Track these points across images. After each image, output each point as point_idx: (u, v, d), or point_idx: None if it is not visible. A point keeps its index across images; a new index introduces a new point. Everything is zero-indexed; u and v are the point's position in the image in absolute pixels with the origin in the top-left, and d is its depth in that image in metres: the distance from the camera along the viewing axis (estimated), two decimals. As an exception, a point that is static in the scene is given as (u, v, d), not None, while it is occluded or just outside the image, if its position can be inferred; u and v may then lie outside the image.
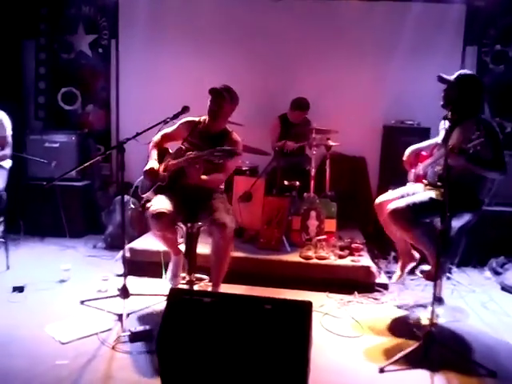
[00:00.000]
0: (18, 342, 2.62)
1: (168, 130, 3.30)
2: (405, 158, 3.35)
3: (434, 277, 2.76)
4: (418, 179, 3.25)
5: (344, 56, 5.00)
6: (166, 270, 3.44)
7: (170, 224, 3.07)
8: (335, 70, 5.01)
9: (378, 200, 3.27)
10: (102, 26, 5.37)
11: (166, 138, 3.35)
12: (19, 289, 3.33)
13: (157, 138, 3.30)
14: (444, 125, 3.00)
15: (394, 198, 3.11)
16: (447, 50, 4.85)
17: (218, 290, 3.09)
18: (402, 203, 2.94)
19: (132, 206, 3.82)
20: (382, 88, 4.99)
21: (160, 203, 3.04)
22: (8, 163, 3.99)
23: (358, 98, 4.98)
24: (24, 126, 5.19)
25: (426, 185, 3.15)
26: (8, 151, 3.93)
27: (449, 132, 2.78)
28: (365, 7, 4.94)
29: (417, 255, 3.24)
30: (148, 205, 3.11)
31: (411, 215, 2.88)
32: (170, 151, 3.34)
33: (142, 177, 3.29)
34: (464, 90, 2.92)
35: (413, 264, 3.26)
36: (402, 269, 3.26)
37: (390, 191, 3.30)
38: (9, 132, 3.91)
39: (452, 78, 2.96)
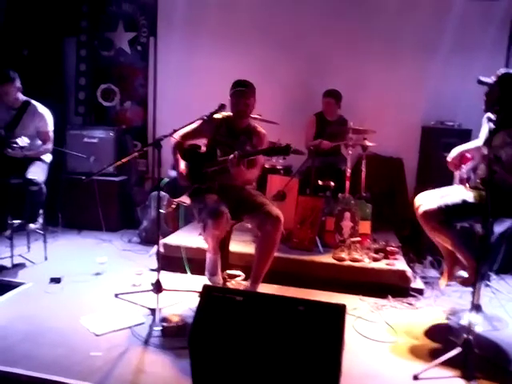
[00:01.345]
0: (54, 331, 2.69)
1: (186, 129, 3.19)
2: (449, 160, 3.19)
3: (470, 283, 2.67)
4: (461, 182, 3.15)
5: (382, 53, 4.90)
6: (188, 267, 3.46)
7: (226, 222, 3.03)
8: (373, 68, 4.92)
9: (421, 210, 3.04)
10: (142, 24, 5.45)
11: (187, 137, 3.29)
12: (56, 280, 3.42)
13: (177, 138, 3.23)
14: (487, 126, 2.89)
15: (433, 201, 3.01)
16: (491, 48, 4.68)
17: (257, 287, 3.09)
18: (433, 204, 2.86)
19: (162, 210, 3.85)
20: (421, 87, 4.87)
21: (216, 202, 3.05)
22: (49, 157, 4.09)
23: (397, 98, 4.88)
24: (64, 122, 5.32)
25: (469, 188, 3.04)
26: (49, 146, 4.03)
27: (492, 134, 2.68)
28: (405, 3, 4.83)
29: (464, 262, 3.13)
30: (200, 204, 3.10)
31: (442, 217, 2.79)
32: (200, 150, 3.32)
33: (167, 180, 3.32)
34: (507, 90, 2.81)
35: (460, 269, 3.14)
36: (449, 273, 3.15)
37: (428, 192, 3.18)
38: (51, 127, 4.01)
39: (492, 79, 2.84)
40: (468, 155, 3.19)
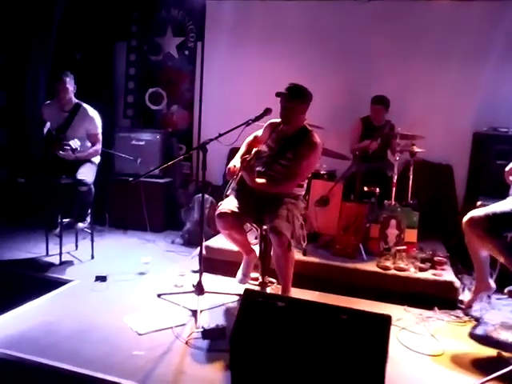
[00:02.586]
0: (99, 329, 2.75)
1: (259, 132, 3.33)
2: (508, 169, 3.00)
3: None
4: None
5: (432, 57, 4.77)
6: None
7: (234, 224, 3.11)
8: (422, 72, 4.80)
9: (467, 217, 2.94)
10: (190, 29, 5.54)
11: (256, 140, 3.36)
12: (102, 278, 3.50)
13: (249, 139, 3.33)
14: None
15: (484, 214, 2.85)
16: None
17: (287, 294, 3.06)
18: (480, 212, 2.74)
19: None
20: (472, 92, 4.70)
21: (226, 204, 3.13)
22: (97, 159, 4.21)
23: (447, 103, 4.73)
24: (113, 124, 5.47)
25: None
26: (98, 148, 4.14)
27: None
28: (457, 7, 4.69)
29: (493, 285, 3.01)
30: (218, 205, 3.20)
31: (489, 225, 2.67)
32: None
33: None
34: None
35: (487, 293, 3.03)
36: (475, 294, 3.05)
37: (479, 208, 3.04)
38: (100, 130, 4.13)
39: None
40: None
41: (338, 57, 4.98)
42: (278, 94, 3.09)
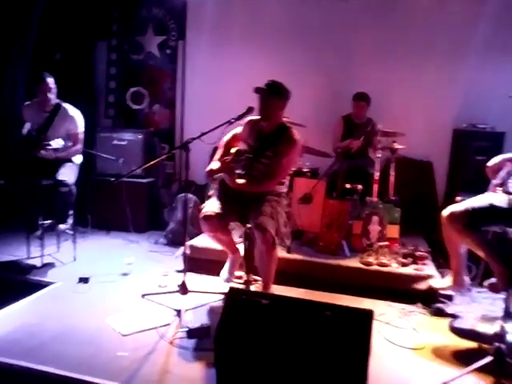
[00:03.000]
0: (82, 331, 2.73)
1: (238, 130, 3.31)
2: (489, 164, 3.06)
3: (499, 289, 2.60)
4: (494, 187, 3.07)
5: (412, 54, 4.82)
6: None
7: (219, 226, 3.13)
8: (402, 68, 4.84)
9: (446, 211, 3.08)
10: (171, 28, 5.51)
11: (235, 138, 3.34)
12: (84, 280, 3.47)
13: (227, 138, 3.30)
14: None
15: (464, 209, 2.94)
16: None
17: (268, 291, 3.07)
18: (460, 207, 2.79)
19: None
20: (452, 89, 4.76)
21: (210, 206, 3.13)
22: (79, 159, 4.17)
23: (427, 100, 4.79)
24: (94, 124, 5.42)
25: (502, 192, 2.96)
26: (79, 147, 4.10)
27: None
28: (437, 5, 4.75)
29: (467, 282, 3.07)
30: (201, 207, 3.20)
31: (468, 220, 2.72)
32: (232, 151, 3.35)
33: None
34: None
35: (459, 289, 3.10)
36: (449, 288, 3.12)
37: (458, 202, 3.10)
38: (81, 129, 4.09)
39: None
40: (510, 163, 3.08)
41: (319, 54, 5.00)
42: (257, 90, 3.09)
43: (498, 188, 2.97)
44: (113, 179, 3.57)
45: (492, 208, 2.72)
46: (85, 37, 5.48)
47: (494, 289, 2.88)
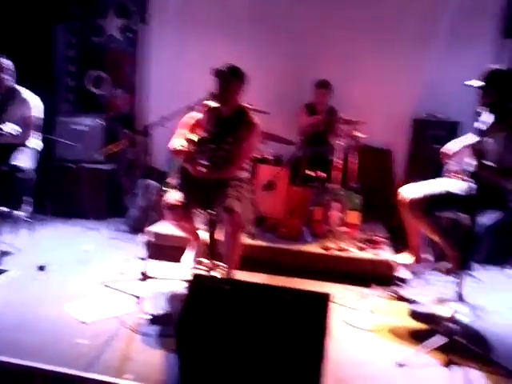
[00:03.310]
0: (41, 319, 2.68)
1: (197, 116, 3.25)
2: (445, 150, 3.20)
3: (452, 272, 2.72)
4: (449, 172, 3.18)
5: (375, 44, 4.89)
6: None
7: (184, 214, 3.12)
8: (365, 58, 4.91)
9: (405, 195, 3.16)
10: (133, 11, 5.39)
11: (197, 124, 3.29)
12: (43, 268, 3.40)
13: (189, 121, 3.24)
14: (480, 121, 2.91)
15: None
16: (483, 41, 4.70)
17: (232, 276, 3.09)
18: (419, 193, 2.90)
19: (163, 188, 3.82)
20: (413, 79, 4.87)
21: (173, 194, 3.10)
22: (37, 144, 4.05)
23: (388, 89, 4.88)
24: (54, 109, 5.26)
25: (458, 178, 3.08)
26: (31, 131, 3.96)
27: (488, 132, 2.76)
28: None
29: (430, 258, 3.23)
30: (164, 195, 3.17)
31: (426, 206, 2.83)
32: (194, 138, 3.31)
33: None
34: (503, 89, 2.83)
35: (424, 266, 3.28)
36: (412, 266, 3.31)
37: (414, 184, 3.21)
38: (34, 112, 3.93)
39: (481, 81, 2.85)
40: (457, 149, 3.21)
41: (283, 41, 5.01)
42: (216, 73, 3.07)
43: (454, 174, 3.09)
44: (72, 165, 3.49)
45: (449, 195, 2.83)
46: (43, 19, 5.28)
47: (448, 272, 3.01)
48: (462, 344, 2.51)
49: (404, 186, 3.18)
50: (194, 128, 3.30)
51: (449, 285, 3.40)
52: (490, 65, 2.97)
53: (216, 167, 3.07)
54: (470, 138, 3.22)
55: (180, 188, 3.17)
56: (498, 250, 3.98)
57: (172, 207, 3.06)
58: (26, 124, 3.91)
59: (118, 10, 5.41)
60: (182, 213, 3.09)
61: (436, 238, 2.98)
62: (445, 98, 4.71)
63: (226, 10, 5.11)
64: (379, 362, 2.46)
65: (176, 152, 3.11)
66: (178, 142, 3.14)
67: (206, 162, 3.02)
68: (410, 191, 3.00)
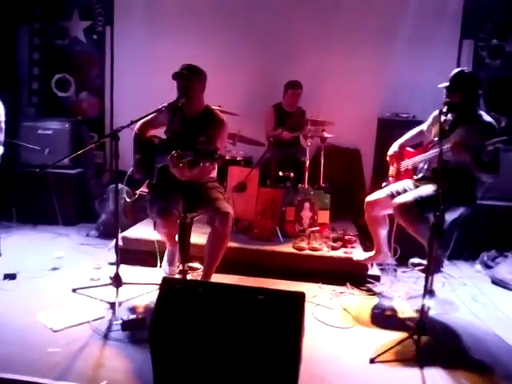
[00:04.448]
0: (9, 329, 2.62)
1: (144, 119, 3.13)
2: (391, 153, 3.40)
3: (433, 270, 2.79)
4: (405, 174, 3.29)
5: (341, 45, 4.99)
6: (161, 260, 3.44)
7: (175, 220, 3.07)
8: (331, 59, 4.99)
9: (369, 199, 3.31)
10: (98, 13, 5.31)
11: (145, 128, 3.26)
12: (11, 276, 3.32)
13: (137, 127, 3.19)
14: (439, 120, 3.01)
15: (385, 197, 3.21)
16: (444, 42, 4.85)
17: (208, 280, 3.09)
18: (409, 197, 2.96)
19: (126, 198, 3.79)
20: (378, 79, 4.98)
21: (165, 200, 3.00)
22: (0, 150, 3.94)
23: (354, 89, 4.98)
24: (17, 112, 5.14)
25: (416, 180, 3.20)
26: (0, 137, 3.87)
27: (449, 129, 2.90)
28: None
29: (389, 254, 3.39)
30: (151, 201, 3.09)
31: (418, 210, 2.90)
32: (156, 139, 3.28)
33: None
34: (466, 91, 2.96)
35: (386, 261, 3.49)
36: (373, 261, 3.49)
37: (379, 191, 3.34)
38: (1, 118, 3.86)
39: (448, 82, 2.97)
40: (409, 149, 3.34)
41: (251, 42, 5.04)
42: (175, 76, 3.05)
43: (413, 176, 3.21)
44: (38, 170, 3.41)
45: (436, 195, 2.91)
46: (5, 20, 5.15)
47: (424, 271, 3.05)
48: (433, 338, 2.58)
49: (371, 195, 3.33)
50: (144, 131, 3.26)
51: (419, 281, 3.52)
52: (459, 68, 3.12)
53: (198, 168, 3.02)
54: (408, 134, 3.44)
55: (158, 195, 3.08)
56: (463, 244, 4.11)
57: (168, 214, 2.96)
58: None
59: (82, 12, 5.32)
60: (173, 219, 3.02)
61: (423, 240, 2.99)
62: (409, 98, 4.84)
63: (193, 10, 5.09)
64: (352, 359, 2.50)
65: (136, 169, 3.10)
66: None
67: (207, 164, 2.93)
68: (399, 196, 3.08)
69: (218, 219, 2.98)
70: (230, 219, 2.99)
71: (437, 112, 3.16)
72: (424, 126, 3.37)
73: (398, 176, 3.38)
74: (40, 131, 4.88)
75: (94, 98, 5.43)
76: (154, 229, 3.19)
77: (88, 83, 5.43)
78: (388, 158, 3.44)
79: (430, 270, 2.66)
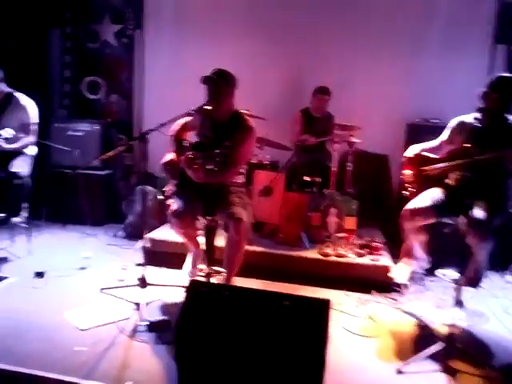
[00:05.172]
0: (37, 327, 2.67)
1: (185, 119, 3.24)
2: (411, 155, 3.21)
3: (474, 282, 2.72)
4: (426, 181, 3.17)
5: (370, 50, 4.92)
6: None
7: (190, 222, 3.12)
8: (360, 64, 4.94)
9: (410, 207, 3.09)
10: (128, 16, 5.39)
11: (184, 128, 3.31)
12: (40, 274, 3.39)
13: (175, 128, 3.26)
14: (471, 127, 2.93)
15: (427, 207, 3.02)
16: (477, 47, 4.75)
17: (230, 283, 3.09)
18: (480, 215, 2.83)
19: (159, 196, 3.82)
20: (407, 84, 4.90)
21: (180, 201, 3.07)
22: (33, 150, 4.04)
23: (383, 94, 4.90)
24: (49, 114, 5.25)
25: (446, 187, 3.09)
26: (32, 138, 3.97)
27: (481, 135, 2.81)
28: (393, 2, 4.87)
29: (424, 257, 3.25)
30: (169, 202, 3.14)
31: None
32: (185, 144, 3.30)
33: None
34: (505, 97, 2.86)
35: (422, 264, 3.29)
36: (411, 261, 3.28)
37: (417, 199, 3.13)
38: (33, 120, 3.95)
39: (488, 87, 2.87)
40: (429, 154, 3.19)
41: (280, 47, 5.02)
42: (205, 80, 3.05)
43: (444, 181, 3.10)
44: (69, 171, 3.48)
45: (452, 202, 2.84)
46: (38, 24, 5.28)
47: (468, 282, 2.97)
48: (461, 350, 2.52)
49: (410, 204, 3.12)
50: (181, 133, 3.30)
51: (448, 291, 3.43)
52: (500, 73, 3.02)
53: (216, 172, 3.05)
54: (430, 143, 3.26)
55: (179, 195, 3.15)
56: (497, 255, 3.98)
57: (179, 214, 3.03)
58: (25, 131, 3.91)
59: (113, 16, 5.41)
60: (188, 220, 3.08)
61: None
62: (438, 103, 4.75)
63: (223, 13, 5.12)
64: (379, 369, 2.46)
65: (169, 164, 3.12)
66: (168, 157, 3.15)
67: (212, 167, 2.98)
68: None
69: (231, 225, 2.98)
70: (244, 226, 2.95)
71: (457, 120, 3.09)
72: (444, 137, 3.23)
73: (419, 182, 3.18)
74: (71, 133, 4.97)
75: (123, 101, 5.51)
76: (171, 228, 3.24)
77: (118, 86, 5.51)
78: (405, 160, 3.25)
79: (470, 283, 2.59)
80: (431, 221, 3.04)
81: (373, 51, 4.92)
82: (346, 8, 4.96)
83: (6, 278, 3.34)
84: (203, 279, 3.30)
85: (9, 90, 3.91)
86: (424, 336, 2.83)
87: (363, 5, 4.93)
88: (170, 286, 3.26)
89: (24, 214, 3.88)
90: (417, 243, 3.20)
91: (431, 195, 3.10)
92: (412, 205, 3.10)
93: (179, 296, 3.09)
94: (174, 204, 3.10)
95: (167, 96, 5.13)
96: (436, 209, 2.98)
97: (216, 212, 3.12)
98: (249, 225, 3.05)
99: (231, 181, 3.20)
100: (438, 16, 4.76)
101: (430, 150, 3.24)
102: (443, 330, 2.73)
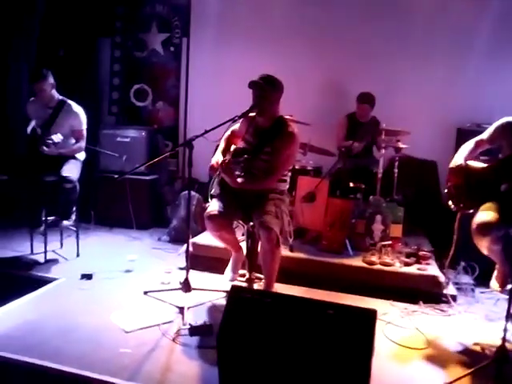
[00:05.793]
0: (84, 327, 2.73)
1: (236, 126, 3.31)
2: (458, 165, 2.90)
3: None
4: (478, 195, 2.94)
5: (417, 54, 4.80)
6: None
7: (224, 224, 3.14)
8: (407, 68, 4.82)
9: (483, 221, 2.69)
10: (175, 25, 5.50)
11: (234, 134, 3.36)
12: (88, 276, 3.48)
13: (227, 134, 3.33)
14: None
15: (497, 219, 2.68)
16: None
17: (271, 290, 3.07)
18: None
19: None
20: (456, 88, 4.74)
21: (214, 205, 3.12)
22: (82, 156, 4.17)
23: (431, 99, 4.77)
24: (98, 121, 5.42)
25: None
26: (82, 144, 4.10)
27: None
28: (441, 3, 4.73)
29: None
30: (205, 205, 3.19)
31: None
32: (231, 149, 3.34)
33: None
34: None
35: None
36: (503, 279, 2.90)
37: (485, 212, 2.75)
38: (84, 126, 4.09)
39: None
40: (474, 163, 2.95)
41: (324, 52, 4.97)
42: (251, 84, 3.07)
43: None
44: (116, 176, 3.58)
45: None
46: (88, 33, 5.47)
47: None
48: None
49: (481, 218, 2.73)
50: (230, 139, 3.33)
51: (500, 303, 3.28)
52: None
53: (252, 178, 3.06)
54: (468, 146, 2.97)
55: (220, 198, 3.18)
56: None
57: (212, 217, 3.07)
58: (76, 137, 4.05)
59: (160, 25, 5.53)
60: (221, 223, 3.10)
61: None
62: (490, 108, 4.56)
63: (267, 21, 5.13)
64: (426, 382, 2.36)
65: (211, 168, 3.17)
66: (215, 159, 3.18)
67: (239, 173, 3.02)
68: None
69: (261, 233, 2.96)
70: (273, 235, 2.91)
71: (501, 122, 2.82)
72: (483, 136, 2.92)
73: (466, 195, 2.91)
74: (118, 139, 5.10)
75: (169, 108, 5.62)
76: (207, 231, 3.31)
77: (164, 93, 5.62)
78: (451, 173, 2.95)
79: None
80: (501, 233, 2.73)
81: (421, 55, 4.79)
82: (392, 13, 4.84)
83: (55, 279, 3.45)
84: (244, 284, 3.30)
85: (61, 97, 4.05)
86: (473, 350, 2.70)
87: (411, 10, 4.81)
88: (213, 291, 3.27)
89: (73, 217, 4.01)
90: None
91: (492, 208, 2.76)
92: (483, 218, 2.70)
93: (222, 301, 3.12)
94: (210, 206, 3.14)
95: (212, 103, 5.19)
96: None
97: (252, 218, 3.12)
98: (283, 233, 3.03)
99: (271, 188, 3.17)
100: (488, 18, 4.59)
101: (471, 153, 2.96)
102: (494, 344, 2.60)
